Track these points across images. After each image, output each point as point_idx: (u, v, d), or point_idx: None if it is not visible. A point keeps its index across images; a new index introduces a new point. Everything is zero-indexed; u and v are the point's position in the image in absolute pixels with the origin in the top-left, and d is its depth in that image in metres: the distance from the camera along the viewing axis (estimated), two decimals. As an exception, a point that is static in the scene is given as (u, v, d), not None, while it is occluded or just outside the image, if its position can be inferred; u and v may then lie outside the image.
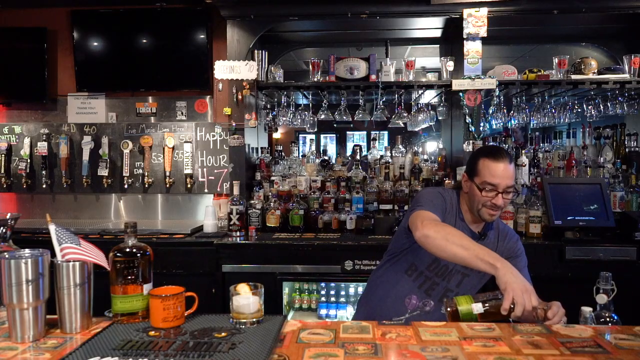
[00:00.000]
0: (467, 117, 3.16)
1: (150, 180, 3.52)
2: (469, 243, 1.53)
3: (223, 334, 1.28)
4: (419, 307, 1.60)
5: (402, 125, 3.63)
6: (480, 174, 1.74)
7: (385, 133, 7.91)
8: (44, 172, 3.51)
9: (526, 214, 2.90)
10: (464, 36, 3.07)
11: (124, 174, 3.49)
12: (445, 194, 1.86)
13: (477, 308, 1.39)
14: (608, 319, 1.41)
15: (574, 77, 3.15)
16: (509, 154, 1.78)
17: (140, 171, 3.52)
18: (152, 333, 1.29)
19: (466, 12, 3.05)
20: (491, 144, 3.34)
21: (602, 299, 1.41)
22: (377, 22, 3.29)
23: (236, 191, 3.10)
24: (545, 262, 2.72)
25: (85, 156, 3.50)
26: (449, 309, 1.42)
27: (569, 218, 2.79)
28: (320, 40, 3.96)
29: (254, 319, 1.36)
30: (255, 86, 3.26)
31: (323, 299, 3.20)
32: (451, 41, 3.41)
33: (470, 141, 3.16)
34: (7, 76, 3.59)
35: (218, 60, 3.26)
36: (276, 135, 6.28)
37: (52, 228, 1.35)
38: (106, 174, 3.48)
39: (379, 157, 3.62)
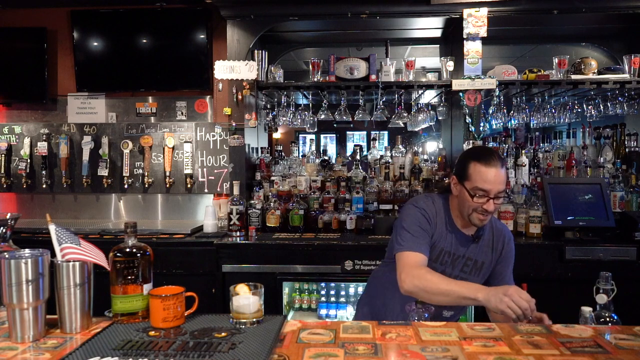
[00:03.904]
0: (467, 117, 3.16)
1: (150, 180, 3.52)
2: (447, 287, 1.56)
3: (223, 334, 1.28)
4: (419, 313, 1.58)
5: (402, 125, 3.63)
6: (472, 179, 1.68)
7: (385, 133, 7.91)
8: (44, 172, 3.51)
9: (526, 214, 2.89)
10: (464, 36, 3.07)
11: (124, 174, 3.49)
12: (428, 208, 1.80)
13: None
14: (608, 319, 1.41)
15: (574, 77, 3.15)
16: (501, 157, 1.71)
17: (140, 171, 3.52)
18: (152, 333, 1.29)
19: (466, 12, 3.05)
20: (489, 144, 3.32)
21: (602, 299, 1.41)
22: (377, 22, 3.29)
23: (236, 191, 3.10)
24: (545, 262, 2.72)
25: (85, 156, 3.50)
26: None
27: (569, 218, 2.79)
28: (320, 40, 3.96)
29: (254, 319, 1.36)
30: (255, 86, 3.26)
31: (323, 299, 3.20)
32: (451, 41, 3.40)
33: (470, 141, 3.16)
34: (7, 76, 3.58)
35: (218, 60, 3.26)
36: (276, 135, 6.28)
37: (52, 228, 1.35)
38: (106, 174, 3.49)
39: (379, 157, 3.62)
